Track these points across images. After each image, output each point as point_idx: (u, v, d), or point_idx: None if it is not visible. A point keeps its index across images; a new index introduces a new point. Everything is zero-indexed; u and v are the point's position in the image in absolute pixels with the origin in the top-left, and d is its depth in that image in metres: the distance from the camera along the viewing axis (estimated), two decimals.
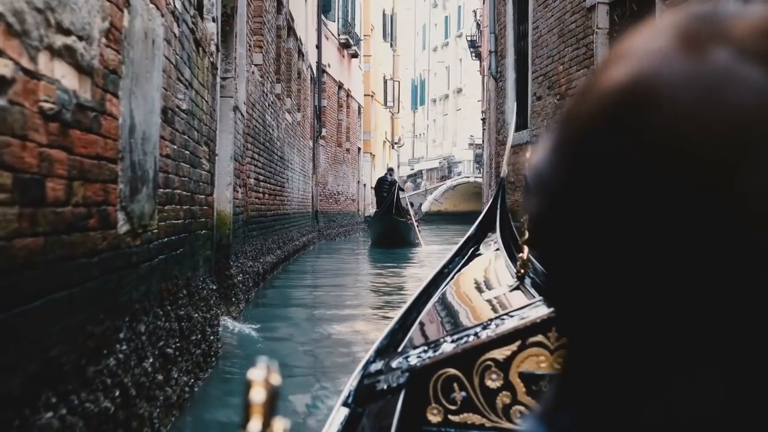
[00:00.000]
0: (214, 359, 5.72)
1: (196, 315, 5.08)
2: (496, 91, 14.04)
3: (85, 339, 2.83)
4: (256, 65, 10.86)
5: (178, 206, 4.62)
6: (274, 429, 0.58)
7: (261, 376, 0.58)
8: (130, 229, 3.42)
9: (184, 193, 4.82)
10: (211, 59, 5.98)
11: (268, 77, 12.02)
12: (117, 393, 3.09)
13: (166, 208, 4.24)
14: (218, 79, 6.38)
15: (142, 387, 3.43)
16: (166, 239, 4.23)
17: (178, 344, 4.35)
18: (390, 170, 23.80)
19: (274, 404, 0.58)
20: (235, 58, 8.68)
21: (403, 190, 21.98)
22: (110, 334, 3.06)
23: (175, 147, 4.52)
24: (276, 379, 0.58)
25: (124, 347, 3.19)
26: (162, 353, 3.94)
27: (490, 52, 14.13)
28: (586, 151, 0.40)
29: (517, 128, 12.63)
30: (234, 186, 8.55)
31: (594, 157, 0.39)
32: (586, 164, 0.40)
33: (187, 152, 4.90)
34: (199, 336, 5.11)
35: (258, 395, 0.57)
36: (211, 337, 5.62)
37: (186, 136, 4.88)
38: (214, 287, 6.09)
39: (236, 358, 6.30)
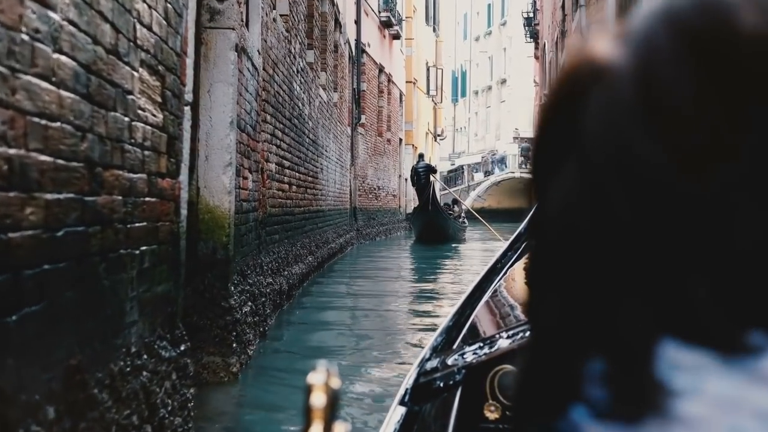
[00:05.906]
0: None
1: None
2: None
3: None
4: (282, 15, 8.26)
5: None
6: None
7: (321, 380, 0.55)
8: None
9: (49, 159, 1.88)
10: None
11: (296, 35, 9.35)
12: None
13: None
14: None
15: None
16: None
17: None
18: (421, 156, 22.44)
19: (334, 408, 0.56)
20: None
21: (435, 171, 20.85)
22: None
23: None
24: (336, 383, 0.56)
25: None
26: None
27: (578, 5, 11.16)
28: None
29: None
30: (239, 169, 5.66)
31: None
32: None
33: (72, 63, 1.97)
34: None
35: (318, 400, 0.55)
36: None
37: (76, 29, 1.95)
38: (176, 353, 3.14)
39: None
